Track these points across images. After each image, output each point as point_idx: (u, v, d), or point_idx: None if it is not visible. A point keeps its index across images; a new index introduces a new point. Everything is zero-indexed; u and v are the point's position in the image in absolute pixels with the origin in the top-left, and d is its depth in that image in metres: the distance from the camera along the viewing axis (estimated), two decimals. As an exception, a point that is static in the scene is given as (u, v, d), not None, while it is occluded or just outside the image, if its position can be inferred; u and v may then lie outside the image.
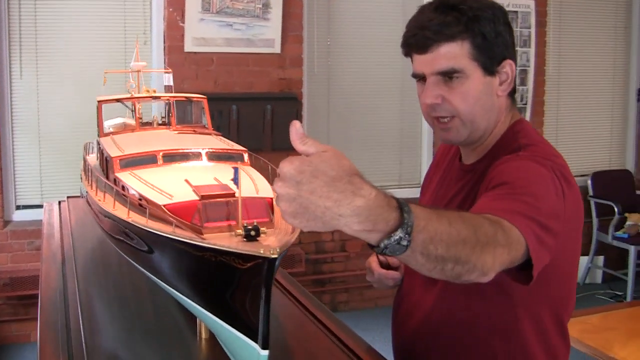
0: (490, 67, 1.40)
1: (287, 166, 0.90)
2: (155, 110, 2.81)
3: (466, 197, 1.46)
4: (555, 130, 5.73)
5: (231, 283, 1.10)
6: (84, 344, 1.50)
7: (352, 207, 0.90)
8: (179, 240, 1.16)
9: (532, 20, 5.30)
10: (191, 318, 1.57)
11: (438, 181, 1.64)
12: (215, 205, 1.26)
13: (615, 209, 5.31)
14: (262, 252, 1.03)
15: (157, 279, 1.44)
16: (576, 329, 3.02)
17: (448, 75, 1.39)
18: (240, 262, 1.06)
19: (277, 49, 4.62)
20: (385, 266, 1.64)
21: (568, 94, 5.80)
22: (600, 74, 5.95)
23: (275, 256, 1.03)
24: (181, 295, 1.32)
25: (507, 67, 1.43)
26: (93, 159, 2.26)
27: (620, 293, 5.43)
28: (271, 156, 1.67)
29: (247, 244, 1.11)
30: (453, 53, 1.37)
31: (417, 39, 1.41)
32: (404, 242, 0.95)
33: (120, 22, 4.53)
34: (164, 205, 1.31)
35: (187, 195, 1.34)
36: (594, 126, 5.99)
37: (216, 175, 1.47)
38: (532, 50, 5.36)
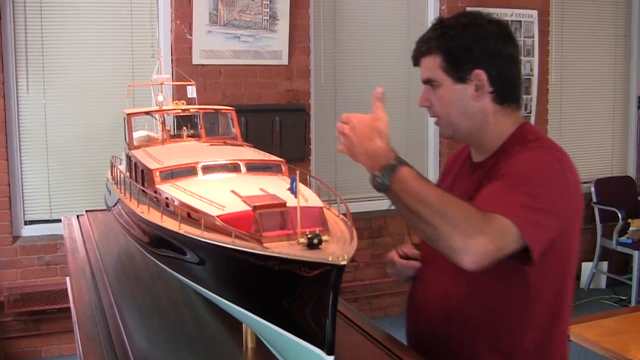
0: (457, 77, 1.59)
1: (353, 119, 1.47)
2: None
3: (477, 189, 1.58)
4: (558, 138, 5.75)
5: (294, 291, 1.11)
6: (131, 356, 1.50)
7: (364, 148, 1.45)
8: (241, 251, 1.16)
9: (535, 29, 5.33)
10: (234, 327, 1.58)
11: (451, 182, 1.78)
12: (270, 214, 1.26)
13: (619, 215, 5.36)
14: (330, 259, 1.04)
15: (204, 290, 1.44)
16: (593, 332, 3.07)
17: (430, 84, 1.63)
18: (306, 270, 1.07)
19: (284, 61, 4.65)
20: (405, 258, 1.83)
21: (570, 102, 5.86)
22: (602, 82, 6.03)
23: (345, 263, 1.04)
24: (234, 305, 1.32)
25: (478, 76, 1.59)
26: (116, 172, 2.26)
27: (624, 298, 5.47)
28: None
29: (312, 252, 1.12)
30: (430, 65, 1.62)
31: (413, 53, 1.68)
32: (380, 180, 1.43)
33: (127, 35, 4.54)
34: (218, 216, 1.31)
35: (238, 205, 1.35)
36: (596, 133, 6.05)
37: (260, 185, 1.48)
38: (535, 60, 5.41)
